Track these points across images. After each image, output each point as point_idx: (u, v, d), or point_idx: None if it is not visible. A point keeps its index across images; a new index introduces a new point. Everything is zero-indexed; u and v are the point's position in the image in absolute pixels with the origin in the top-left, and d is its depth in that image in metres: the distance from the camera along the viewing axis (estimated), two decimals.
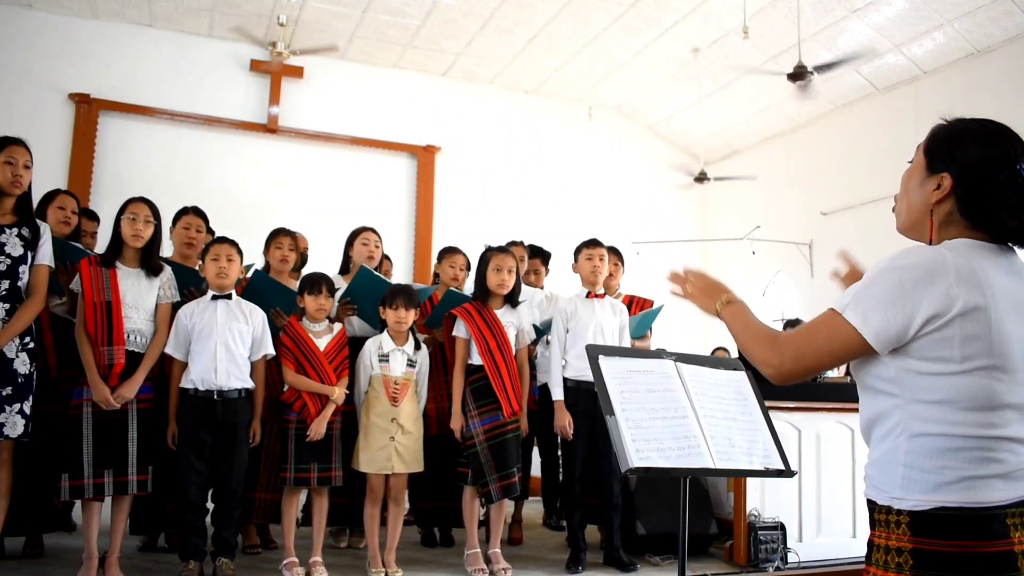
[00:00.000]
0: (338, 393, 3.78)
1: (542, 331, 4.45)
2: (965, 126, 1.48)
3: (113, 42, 7.85)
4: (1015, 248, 1.47)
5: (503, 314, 4.04)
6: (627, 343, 4.32)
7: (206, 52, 8.16)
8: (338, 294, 4.10)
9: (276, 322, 3.92)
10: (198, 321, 3.59)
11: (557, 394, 4.14)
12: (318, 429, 3.70)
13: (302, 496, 4.00)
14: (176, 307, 3.67)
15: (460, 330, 4.00)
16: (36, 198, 3.64)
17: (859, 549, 4.09)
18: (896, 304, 1.37)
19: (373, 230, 4.58)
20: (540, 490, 5.09)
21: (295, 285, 4.04)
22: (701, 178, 8.57)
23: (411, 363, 3.90)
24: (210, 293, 3.67)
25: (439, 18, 7.73)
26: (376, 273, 4.30)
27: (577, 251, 4.41)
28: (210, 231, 4.33)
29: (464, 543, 4.02)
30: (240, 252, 3.76)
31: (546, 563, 4.25)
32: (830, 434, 4.48)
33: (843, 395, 4.51)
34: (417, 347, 3.96)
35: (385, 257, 4.94)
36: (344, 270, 4.56)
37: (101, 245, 4.07)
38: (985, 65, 6.89)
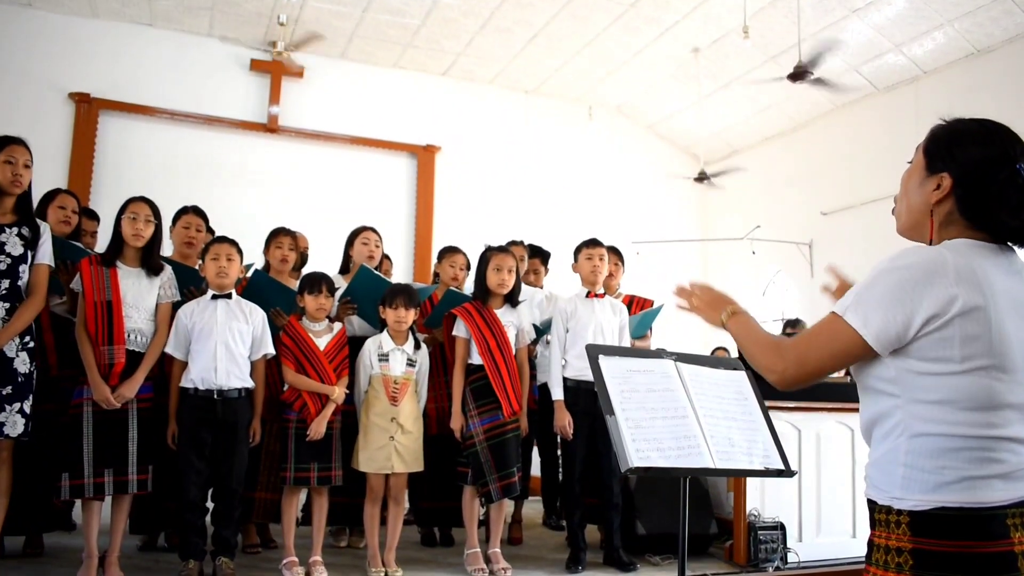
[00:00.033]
0: (338, 393, 3.78)
1: (542, 331, 4.45)
2: (964, 126, 1.48)
3: (113, 41, 7.85)
4: (1015, 248, 1.47)
5: (503, 314, 4.04)
6: (627, 343, 4.32)
7: (206, 51, 8.16)
8: (338, 293, 4.10)
9: (276, 321, 3.92)
10: (198, 320, 3.59)
11: (557, 394, 4.14)
12: (318, 428, 3.70)
13: (302, 495, 4.00)
14: (176, 306, 3.67)
15: (460, 330, 4.00)
16: (36, 197, 3.64)
17: (859, 549, 4.08)
18: (896, 304, 1.37)
19: (373, 229, 4.58)
20: (540, 490, 5.10)
21: (295, 285, 4.05)
22: (701, 178, 8.57)
23: (411, 363, 3.90)
24: (210, 292, 3.67)
25: (439, 18, 7.73)
26: (376, 272, 4.30)
27: (577, 251, 4.41)
28: (210, 230, 4.33)
29: (464, 543, 4.02)
30: (240, 251, 3.76)
31: (546, 563, 4.25)
32: (830, 434, 4.48)
33: (843, 395, 4.51)
34: (417, 347, 3.96)
35: (385, 257, 4.94)
36: (344, 269, 4.56)
37: (101, 244, 4.07)
38: (985, 65, 6.89)
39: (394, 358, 3.86)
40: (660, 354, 2.29)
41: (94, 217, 4.59)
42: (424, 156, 8.87)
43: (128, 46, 7.90)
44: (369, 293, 4.08)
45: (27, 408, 3.22)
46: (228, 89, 8.20)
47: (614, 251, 4.81)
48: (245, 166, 8.20)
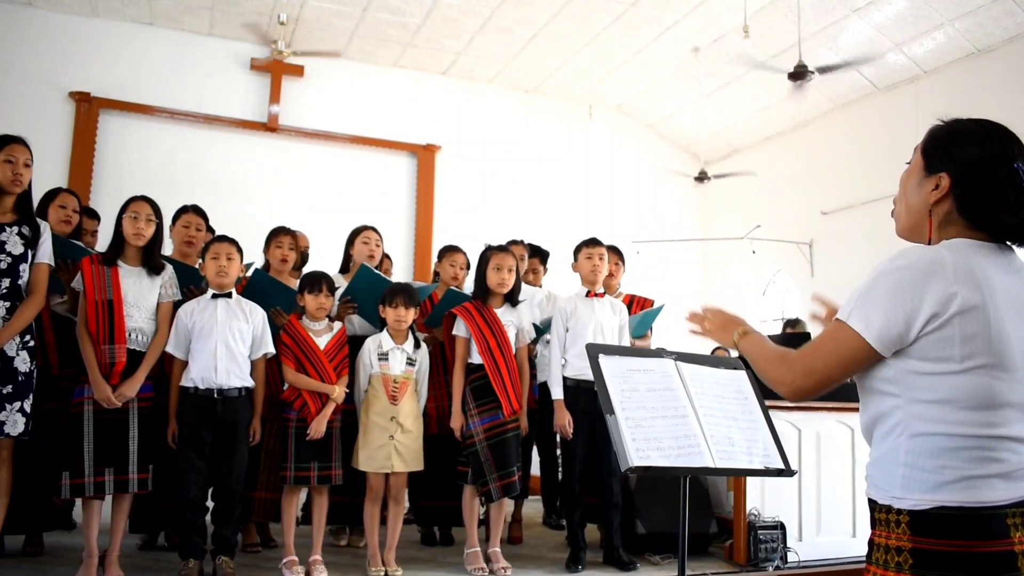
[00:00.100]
0: (338, 392, 3.78)
1: (542, 330, 4.45)
2: (962, 126, 1.49)
3: (113, 40, 7.85)
4: (1014, 247, 1.48)
5: (503, 313, 4.05)
6: (627, 342, 4.32)
7: (206, 51, 8.16)
8: (338, 293, 4.10)
9: (276, 321, 3.92)
10: (198, 320, 3.59)
11: (557, 393, 4.14)
12: (318, 428, 3.70)
13: (302, 495, 4.00)
14: (177, 306, 3.67)
15: (460, 329, 4.00)
16: (36, 197, 3.64)
17: (859, 548, 4.07)
18: (897, 305, 1.37)
19: (374, 229, 4.58)
20: (540, 489, 5.10)
21: (295, 284, 4.05)
22: (701, 177, 8.57)
23: (411, 362, 3.90)
24: (210, 292, 3.67)
25: (439, 17, 7.73)
26: (377, 272, 4.30)
27: (577, 250, 4.41)
28: (210, 229, 4.33)
29: (464, 542, 4.02)
30: (240, 251, 3.76)
31: (546, 562, 4.25)
32: (830, 433, 4.48)
33: (843, 395, 4.48)
34: (417, 346, 3.96)
35: (385, 256, 4.94)
36: (344, 269, 4.56)
37: (102, 243, 4.07)
38: (986, 64, 6.89)
39: (394, 357, 3.86)
40: (660, 353, 2.29)
41: (94, 216, 4.60)
42: (424, 155, 8.87)
43: (128, 45, 7.89)
44: (369, 292, 4.08)
45: (27, 407, 3.23)
46: (228, 88, 8.20)
47: (614, 250, 4.81)
48: (245, 165, 8.20)
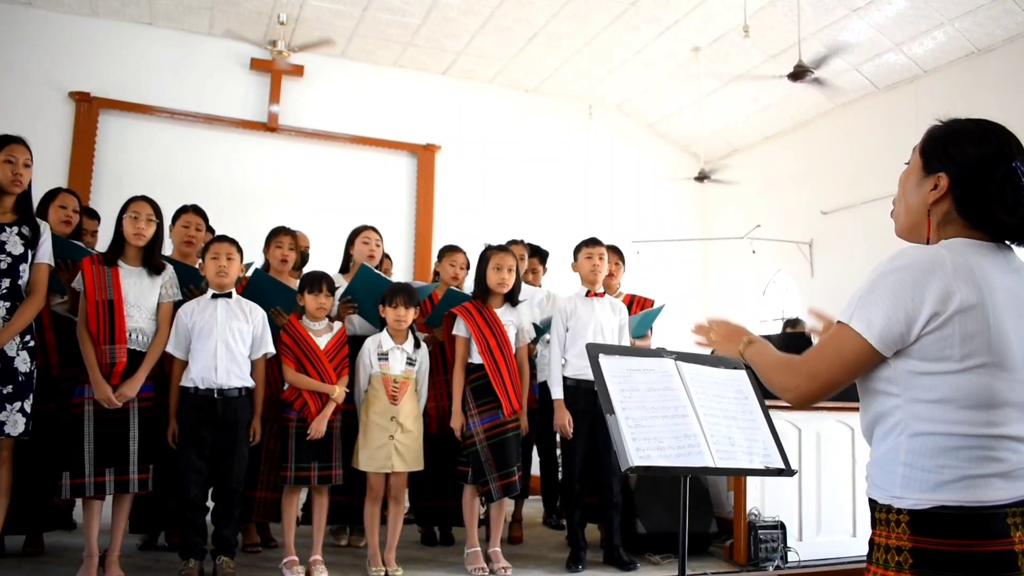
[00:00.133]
0: (338, 392, 3.78)
1: (542, 330, 4.45)
2: (960, 126, 1.50)
3: (113, 40, 7.85)
4: (1013, 246, 1.48)
5: (503, 313, 4.04)
6: (627, 342, 4.32)
7: (206, 50, 8.16)
8: (339, 293, 4.10)
9: (276, 321, 3.92)
10: (198, 320, 3.59)
11: (557, 393, 4.14)
12: (319, 428, 3.70)
13: (302, 495, 4.00)
14: (178, 306, 3.67)
15: (460, 329, 4.00)
16: (36, 197, 3.64)
17: (859, 548, 4.08)
18: (898, 304, 1.37)
19: (374, 229, 4.58)
20: (540, 489, 5.10)
21: (296, 284, 4.04)
22: (701, 177, 8.57)
23: (410, 361, 3.90)
24: (210, 292, 3.67)
25: (439, 17, 7.73)
26: (377, 271, 4.30)
27: (577, 250, 4.41)
28: (210, 229, 4.33)
29: (464, 542, 4.02)
30: (240, 251, 3.76)
31: (546, 562, 4.25)
32: (830, 433, 4.48)
33: (843, 394, 4.47)
34: (417, 345, 3.96)
35: (385, 256, 4.94)
36: (344, 269, 4.56)
37: (102, 244, 4.07)
38: (986, 64, 6.89)
39: (394, 357, 3.86)
40: (660, 353, 2.29)
41: (95, 216, 4.60)
42: (424, 155, 8.87)
43: (128, 45, 7.90)
44: (370, 292, 4.08)
45: (28, 407, 3.23)
46: (228, 88, 8.20)
47: (615, 250, 4.81)
48: (245, 165, 8.20)
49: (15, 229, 3.27)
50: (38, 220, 3.41)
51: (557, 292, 4.97)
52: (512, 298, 4.11)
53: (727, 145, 9.70)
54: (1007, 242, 1.47)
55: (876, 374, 1.44)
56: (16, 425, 3.18)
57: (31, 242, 3.31)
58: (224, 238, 3.76)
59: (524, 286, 4.38)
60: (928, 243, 1.48)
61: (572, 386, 4.13)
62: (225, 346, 3.56)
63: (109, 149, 7.73)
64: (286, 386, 3.79)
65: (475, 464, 3.89)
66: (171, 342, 3.58)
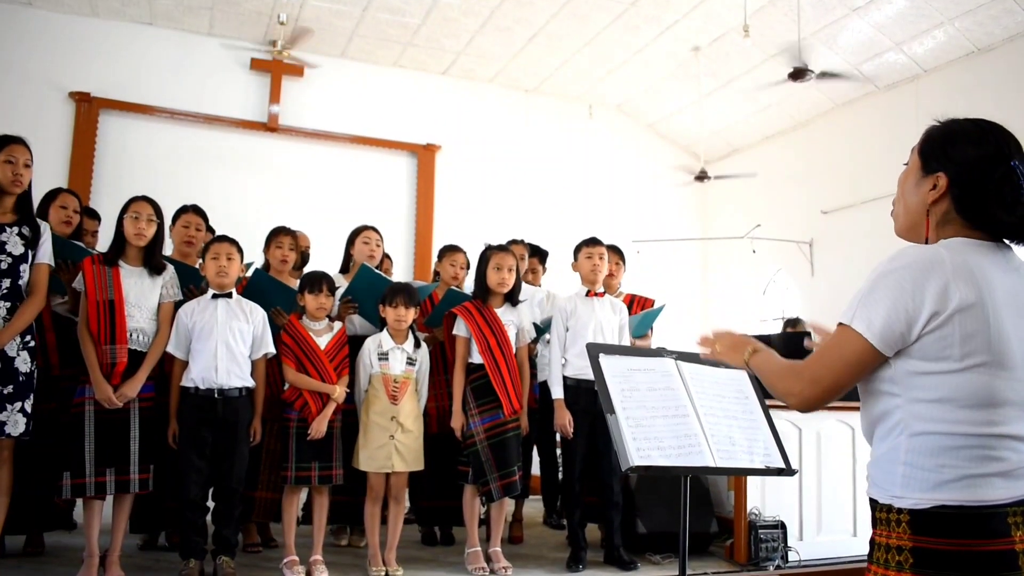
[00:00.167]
0: (339, 392, 3.78)
1: (542, 329, 4.45)
2: (958, 126, 1.50)
3: (113, 40, 7.84)
4: (1012, 245, 1.48)
5: (503, 313, 4.04)
6: (627, 342, 4.32)
7: (206, 50, 8.15)
8: (339, 293, 4.10)
9: (276, 321, 3.92)
10: (199, 320, 3.59)
11: (557, 392, 4.14)
12: (319, 428, 3.70)
13: (302, 494, 4.00)
14: (178, 306, 3.67)
15: (460, 329, 4.00)
16: (37, 197, 3.64)
17: (859, 548, 4.07)
18: (898, 305, 1.37)
19: (374, 229, 4.59)
20: (540, 489, 5.09)
21: (296, 284, 4.05)
22: (702, 177, 8.57)
23: (411, 361, 3.90)
24: (210, 292, 3.67)
25: (439, 17, 7.73)
26: (377, 271, 4.30)
27: (577, 250, 4.41)
28: (210, 229, 4.33)
29: (464, 542, 4.03)
30: (240, 251, 3.76)
31: (547, 562, 4.25)
32: (831, 433, 4.48)
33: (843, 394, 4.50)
34: (417, 345, 3.96)
35: (385, 256, 4.94)
36: (345, 269, 4.56)
37: (102, 244, 4.07)
38: (986, 63, 6.89)
39: (394, 357, 3.86)
40: (661, 353, 2.30)
41: (95, 216, 4.60)
42: (424, 155, 8.87)
43: (128, 45, 7.89)
44: (370, 292, 4.08)
45: (28, 407, 3.23)
46: (228, 88, 8.19)
47: (615, 250, 4.81)
48: (245, 165, 8.20)
49: (15, 229, 3.27)
50: (38, 220, 3.41)
51: (557, 292, 4.96)
52: (512, 298, 4.11)
53: (727, 145, 9.70)
54: (1006, 241, 1.47)
55: (877, 375, 1.44)
56: (17, 425, 3.18)
57: (31, 242, 3.31)
58: (224, 238, 3.76)
59: (524, 286, 4.38)
60: (927, 243, 1.49)
61: (572, 386, 4.13)
62: (225, 346, 3.56)
63: (109, 149, 7.72)
64: (286, 386, 3.79)
65: (475, 464, 3.89)
66: (171, 342, 3.58)
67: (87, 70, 7.68)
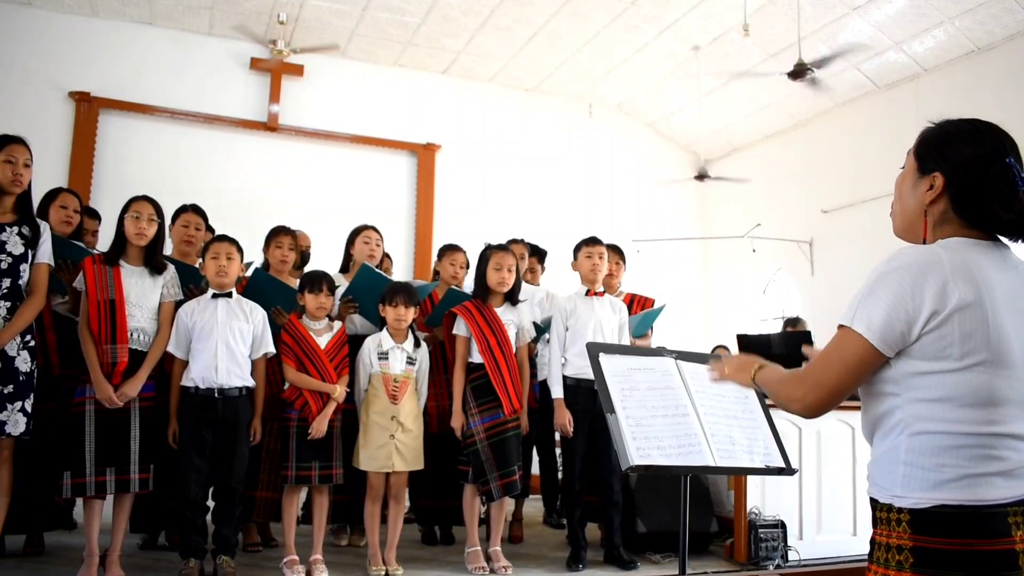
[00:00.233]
0: (339, 391, 3.78)
1: (542, 329, 4.45)
2: (953, 126, 1.51)
3: (113, 40, 7.85)
4: (1009, 244, 1.48)
5: (503, 312, 4.04)
6: (627, 341, 4.32)
7: (206, 50, 8.16)
8: (339, 292, 4.10)
9: (276, 320, 3.92)
10: (199, 319, 3.59)
11: (557, 392, 4.14)
12: (319, 427, 3.70)
13: (302, 494, 4.00)
14: (179, 306, 3.67)
15: (460, 328, 4.00)
16: (37, 197, 3.64)
17: (860, 547, 4.07)
18: (898, 305, 1.37)
19: (374, 228, 4.59)
20: (540, 488, 5.09)
21: (296, 283, 4.05)
22: (702, 176, 8.57)
23: (411, 361, 3.90)
24: (210, 291, 3.67)
25: (439, 16, 7.73)
26: (377, 271, 4.30)
27: (577, 249, 4.41)
28: (210, 229, 4.33)
29: (464, 541, 4.03)
30: (240, 250, 3.76)
31: (546, 561, 4.25)
32: (831, 432, 4.48)
33: None
34: (417, 345, 3.96)
35: (385, 255, 4.94)
36: (345, 268, 4.56)
37: (102, 243, 4.08)
38: (986, 62, 6.89)
39: (394, 356, 3.86)
40: (661, 352, 2.30)
41: (95, 216, 4.60)
42: (424, 154, 8.87)
43: (128, 45, 7.89)
44: (370, 292, 4.08)
45: (28, 407, 3.23)
46: (228, 88, 8.20)
47: (615, 250, 4.81)
48: (245, 165, 8.20)
49: (15, 229, 3.27)
50: (38, 220, 3.40)
51: (556, 291, 4.96)
52: (512, 297, 4.11)
53: (727, 144, 9.70)
54: (1004, 239, 1.47)
55: (877, 375, 1.44)
56: (17, 425, 3.18)
57: (31, 242, 3.31)
58: (224, 237, 3.76)
59: (524, 285, 4.38)
60: (925, 243, 1.49)
61: (572, 385, 4.13)
62: (225, 346, 3.56)
63: (109, 149, 7.73)
64: (287, 385, 3.79)
65: (475, 463, 3.89)
66: (171, 342, 3.58)
67: (87, 70, 7.69)
